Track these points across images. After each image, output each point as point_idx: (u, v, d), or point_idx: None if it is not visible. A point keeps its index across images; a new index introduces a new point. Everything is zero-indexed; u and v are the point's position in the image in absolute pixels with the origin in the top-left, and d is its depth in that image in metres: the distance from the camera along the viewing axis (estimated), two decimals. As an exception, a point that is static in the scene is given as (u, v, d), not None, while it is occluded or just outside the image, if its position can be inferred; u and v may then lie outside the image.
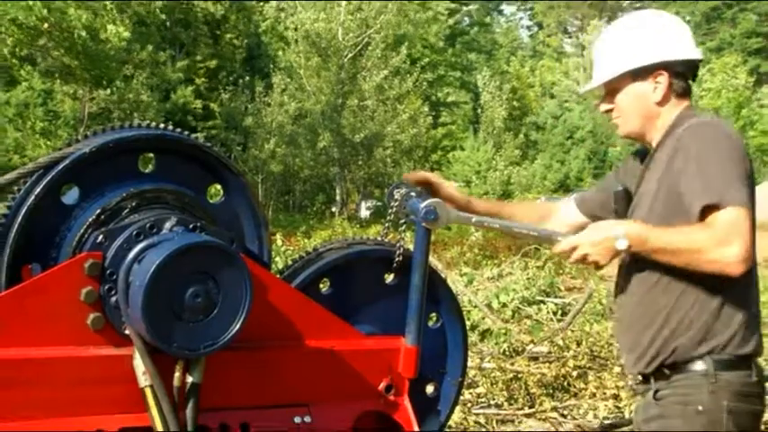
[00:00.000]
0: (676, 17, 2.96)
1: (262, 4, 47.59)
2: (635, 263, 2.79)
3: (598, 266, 2.68)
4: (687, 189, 2.62)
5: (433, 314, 3.00)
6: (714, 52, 62.05)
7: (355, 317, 2.79)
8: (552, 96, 60.19)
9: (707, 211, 2.56)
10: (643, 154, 2.97)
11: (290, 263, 2.89)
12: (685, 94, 2.86)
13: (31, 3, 21.03)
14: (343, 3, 36.48)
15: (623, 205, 2.92)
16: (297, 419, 2.49)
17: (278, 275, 2.73)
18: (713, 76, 54.93)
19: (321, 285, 2.79)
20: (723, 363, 2.68)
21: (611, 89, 2.89)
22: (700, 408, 2.67)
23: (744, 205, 2.55)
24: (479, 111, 50.08)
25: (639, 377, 2.90)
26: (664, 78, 2.81)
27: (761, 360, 2.81)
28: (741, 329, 2.71)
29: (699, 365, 2.69)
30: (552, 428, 6.38)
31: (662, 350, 2.74)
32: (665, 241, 2.58)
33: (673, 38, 2.83)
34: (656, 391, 2.78)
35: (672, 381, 2.73)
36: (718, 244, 2.51)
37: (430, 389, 2.99)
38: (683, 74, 2.84)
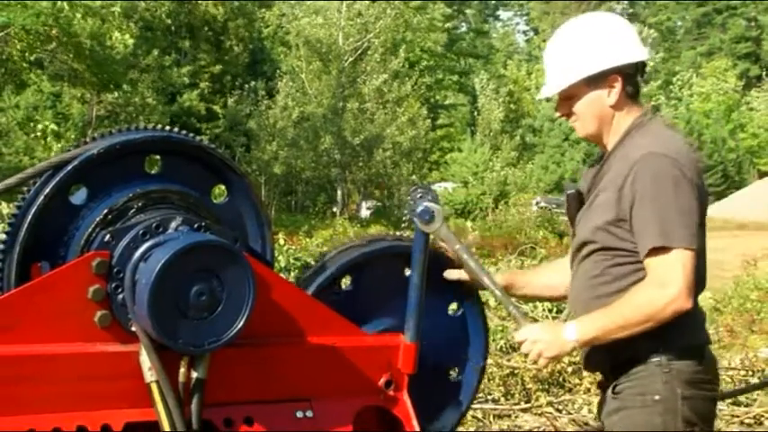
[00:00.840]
0: (621, 18, 2.96)
1: (264, 10, 47.60)
2: (581, 266, 2.85)
3: (548, 361, 2.76)
4: (637, 227, 2.68)
5: (454, 303, 3.00)
6: (705, 56, 62.07)
7: (378, 311, 2.83)
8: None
9: (652, 251, 2.63)
10: (600, 159, 2.97)
11: (309, 262, 2.91)
12: (637, 94, 2.87)
13: (38, 8, 21.04)
14: (344, 8, 36.48)
15: (575, 206, 2.94)
16: (299, 414, 2.49)
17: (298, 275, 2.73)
18: (704, 80, 54.97)
19: (342, 282, 2.82)
20: (675, 353, 2.74)
21: (567, 95, 2.87)
22: (656, 397, 2.72)
23: (687, 245, 2.62)
24: (476, 113, 50.05)
25: (599, 374, 2.97)
26: (618, 83, 2.79)
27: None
28: (690, 323, 2.76)
29: (653, 357, 2.74)
30: (548, 423, 6.38)
31: (617, 350, 2.75)
32: (609, 323, 2.66)
33: (623, 41, 2.81)
34: (615, 386, 2.81)
35: (629, 374, 2.77)
36: (659, 288, 2.61)
37: (453, 374, 3.01)
38: (633, 75, 2.83)
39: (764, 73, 59.36)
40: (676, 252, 2.61)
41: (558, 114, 2.99)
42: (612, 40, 2.80)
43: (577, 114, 2.87)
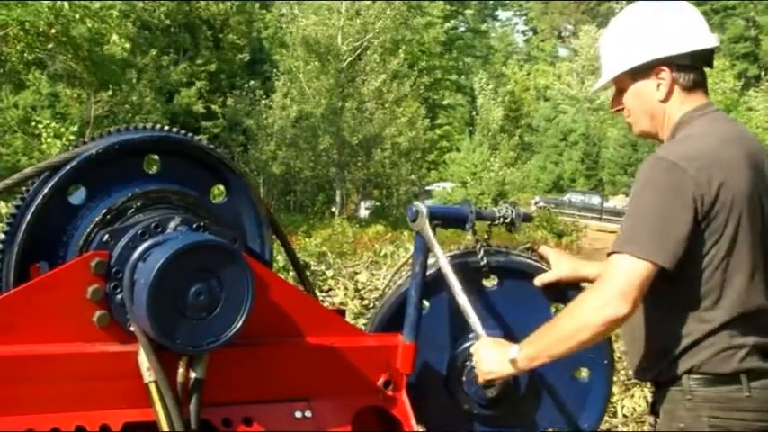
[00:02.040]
0: (681, 4, 2.66)
1: (264, 12, 47.63)
2: None
3: (482, 378, 2.71)
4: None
5: (558, 304, 2.94)
6: (703, 57, 62.03)
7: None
8: (546, 99, 60.21)
9: (608, 256, 2.49)
10: None
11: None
12: (696, 86, 2.62)
13: (39, 7, 21.02)
14: (343, 8, 36.49)
15: None
16: (297, 414, 2.49)
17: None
18: (702, 80, 54.95)
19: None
20: (700, 380, 2.55)
21: (619, 88, 2.70)
22: (681, 425, 2.57)
23: (640, 254, 2.41)
24: (475, 113, 50.08)
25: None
26: (666, 74, 2.59)
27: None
28: (721, 350, 2.55)
29: (681, 380, 2.58)
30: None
31: (648, 368, 2.67)
32: (549, 341, 2.54)
33: (674, 29, 2.58)
34: (654, 403, 2.73)
35: (663, 395, 2.65)
36: (593, 294, 2.48)
37: (585, 374, 2.97)
38: (689, 66, 2.59)
39: (762, 73, 59.39)
40: (624, 258, 2.42)
41: (612, 110, 2.81)
42: (660, 30, 2.58)
43: (628, 110, 2.71)
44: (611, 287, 2.43)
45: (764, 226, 2.58)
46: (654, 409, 2.76)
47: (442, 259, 2.75)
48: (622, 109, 2.72)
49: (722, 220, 2.47)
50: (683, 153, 2.48)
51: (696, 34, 2.59)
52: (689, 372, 2.56)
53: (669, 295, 2.54)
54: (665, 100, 2.61)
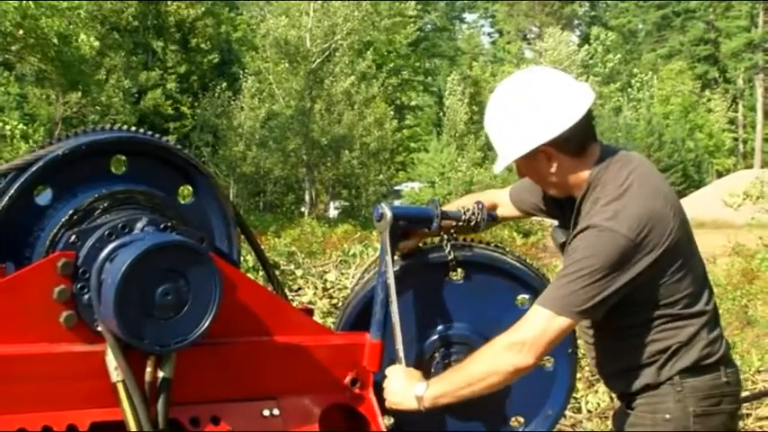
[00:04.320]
0: (549, 73, 2.74)
1: (232, 15, 47.40)
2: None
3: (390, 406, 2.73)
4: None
5: (523, 296, 2.98)
6: (665, 59, 62.73)
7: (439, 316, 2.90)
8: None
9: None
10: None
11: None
12: (584, 146, 2.68)
13: (5, 7, 20.76)
14: (311, 10, 36.41)
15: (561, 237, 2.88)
16: (265, 412, 2.48)
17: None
18: (662, 83, 55.59)
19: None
20: (688, 371, 2.67)
21: (517, 166, 2.79)
22: (667, 416, 2.67)
23: (559, 310, 2.52)
24: (442, 114, 50.17)
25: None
26: (551, 152, 2.65)
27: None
28: (705, 337, 2.69)
29: (666, 376, 2.69)
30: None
31: (631, 381, 2.75)
32: (454, 383, 2.63)
33: (549, 111, 2.61)
34: (630, 402, 2.79)
35: (643, 393, 2.74)
36: (506, 341, 2.57)
37: (549, 365, 3.00)
38: (569, 139, 2.63)
39: (718, 75, 60.19)
40: (545, 312, 2.54)
41: (520, 177, 2.94)
42: (534, 116, 2.62)
43: (533, 180, 2.85)
44: (524, 337, 2.55)
45: (691, 235, 2.77)
46: (624, 398, 2.85)
47: (389, 270, 2.75)
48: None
49: (673, 252, 2.61)
50: (630, 223, 2.55)
51: (571, 107, 2.62)
52: (679, 373, 2.68)
53: (642, 316, 2.68)
54: (558, 172, 2.70)
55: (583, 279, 2.53)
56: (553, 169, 2.69)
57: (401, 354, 2.73)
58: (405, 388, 2.67)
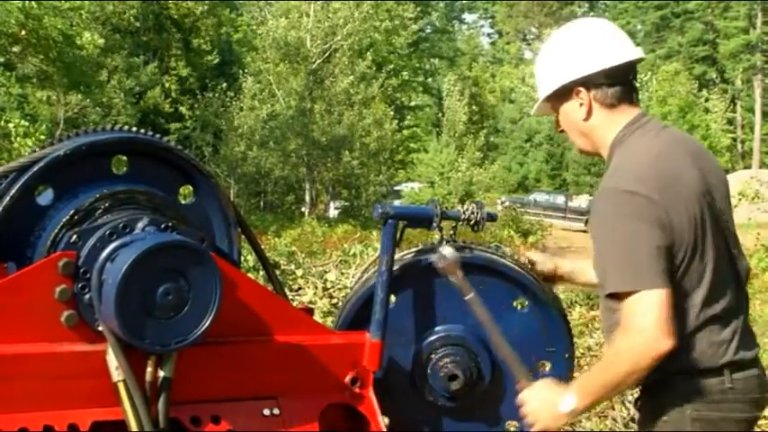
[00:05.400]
0: (601, 22, 2.75)
1: (233, 16, 47.42)
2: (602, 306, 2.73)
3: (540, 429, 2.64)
4: (597, 267, 2.57)
5: (521, 299, 2.96)
6: (663, 59, 62.72)
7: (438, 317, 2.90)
8: (511, 101, 60.51)
9: (614, 296, 2.50)
10: None
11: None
12: (620, 102, 2.64)
13: (9, 8, 20.75)
14: (311, 11, 36.41)
15: None
16: (266, 411, 2.48)
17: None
18: (659, 84, 55.57)
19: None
20: (687, 373, 2.60)
21: (555, 110, 2.76)
22: (665, 418, 2.62)
23: (641, 287, 2.43)
24: (442, 115, 50.17)
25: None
26: (584, 95, 2.62)
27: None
28: (705, 347, 2.60)
29: (671, 377, 2.62)
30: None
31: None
32: (606, 383, 2.52)
33: (587, 50, 2.62)
34: (637, 401, 2.77)
35: (650, 392, 2.71)
36: (631, 336, 2.45)
37: (546, 369, 2.98)
38: (607, 83, 2.61)
39: (716, 75, 60.19)
40: (640, 295, 2.43)
41: (558, 131, 2.84)
42: (575, 51, 2.64)
43: (566, 131, 2.76)
44: (646, 328, 2.42)
45: (719, 222, 2.61)
46: (637, 404, 2.81)
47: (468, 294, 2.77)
48: (563, 131, 2.78)
49: (685, 231, 2.51)
50: (636, 177, 2.50)
51: (610, 52, 2.62)
52: (677, 372, 2.59)
53: None
54: (588, 119, 2.65)
55: (627, 245, 2.45)
56: (583, 115, 2.65)
57: (520, 375, 2.69)
58: (550, 408, 2.56)
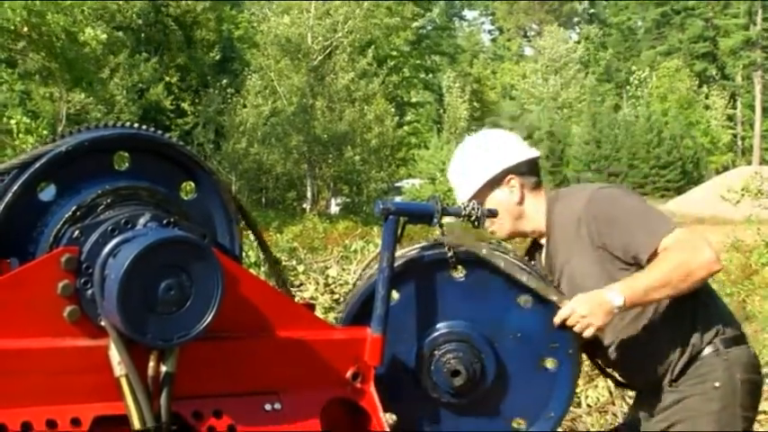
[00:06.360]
0: (507, 133, 3.29)
1: (234, 13, 47.38)
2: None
3: (596, 330, 2.77)
4: (623, 244, 2.87)
5: (524, 296, 2.94)
6: (664, 56, 62.65)
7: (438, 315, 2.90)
8: (512, 98, 60.47)
9: (655, 252, 2.79)
10: (531, 251, 3.25)
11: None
12: (538, 187, 3.13)
13: (13, 6, 20.75)
14: (312, 8, 36.39)
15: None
16: (267, 406, 2.48)
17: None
18: (659, 80, 55.53)
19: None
20: (729, 340, 2.90)
21: (480, 203, 3.00)
22: (717, 384, 2.85)
23: (675, 228, 2.81)
24: (442, 111, 50.17)
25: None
26: (515, 181, 3.07)
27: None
28: (727, 313, 3.02)
29: (709, 349, 2.89)
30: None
31: (678, 356, 2.93)
32: (652, 280, 2.75)
33: (510, 146, 3.11)
34: (672, 381, 2.93)
35: (688, 367, 2.92)
36: (692, 251, 2.75)
37: (551, 365, 2.97)
38: (528, 172, 3.10)
39: (715, 72, 60.11)
40: (665, 240, 2.78)
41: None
42: (500, 149, 3.09)
43: (491, 219, 3.04)
44: (707, 247, 2.78)
45: None
46: (642, 408, 3.08)
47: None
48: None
49: None
50: (597, 185, 3.10)
51: (525, 148, 3.15)
52: (717, 335, 2.91)
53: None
54: (521, 202, 3.09)
55: (642, 208, 2.91)
56: (515, 199, 3.07)
57: (561, 300, 2.81)
58: (600, 304, 2.74)
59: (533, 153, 3.14)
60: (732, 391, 2.85)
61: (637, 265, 2.86)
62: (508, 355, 2.90)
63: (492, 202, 3.05)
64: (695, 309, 2.93)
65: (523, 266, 2.93)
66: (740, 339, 2.98)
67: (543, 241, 3.14)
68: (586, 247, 2.93)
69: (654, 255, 2.79)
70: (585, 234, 2.91)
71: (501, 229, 3.14)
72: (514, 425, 3.00)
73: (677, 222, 2.96)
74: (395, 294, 2.86)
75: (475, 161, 3.10)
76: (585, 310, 2.73)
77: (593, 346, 3.04)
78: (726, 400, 2.84)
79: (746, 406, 2.89)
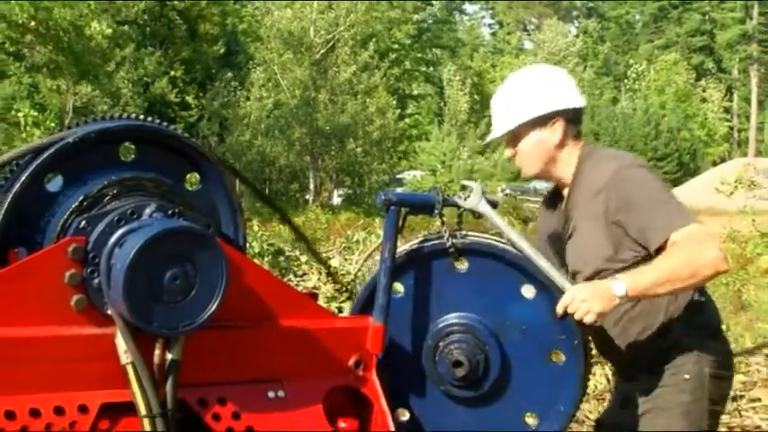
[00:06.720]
0: (562, 70, 3.18)
1: (239, 7, 47.33)
2: None
3: (596, 316, 2.70)
4: (639, 228, 2.82)
5: (529, 285, 2.89)
6: (661, 50, 62.52)
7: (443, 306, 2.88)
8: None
9: (665, 243, 2.74)
10: (552, 197, 3.21)
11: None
12: (578, 136, 3.06)
13: (20, 2, 20.75)
14: (314, 3, 36.33)
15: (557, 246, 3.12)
16: (271, 394, 2.48)
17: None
18: (657, 73, 55.42)
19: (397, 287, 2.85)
20: (703, 335, 2.91)
21: (513, 137, 3.03)
22: (686, 376, 2.87)
23: (690, 223, 2.74)
24: (443, 104, 50.09)
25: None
26: (560, 124, 2.98)
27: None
28: (711, 307, 3.00)
29: (685, 340, 2.89)
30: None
31: (657, 340, 2.93)
32: (657, 275, 2.70)
33: (563, 89, 3.01)
34: (652, 368, 2.93)
35: (666, 357, 2.92)
36: (700, 248, 2.69)
37: (560, 357, 2.92)
38: (573, 120, 3.03)
39: (712, 66, 59.98)
40: (678, 233, 2.72)
41: (506, 156, 3.18)
42: (553, 88, 3.00)
43: (523, 154, 3.04)
44: (715, 246, 2.73)
45: None
46: (623, 393, 3.09)
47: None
48: (514, 155, 3.09)
49: None
50: (630, 158, 3.03)
51: (577, 95, 3.05)
52: (696, 329, 2.91)
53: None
54: (559, 146, 3.01)
55: (665, 195, 2.86)
56: (555, 141, 2.99)
57: (564, 286, 2.75)
58: (602, 292, 2.69)
59: (582, 102, 3.05)
60: (700, 384, 2.85)
61: (646, 249, 2.82)
62: (514, 348, 2.87)
63: (530, 140, 3.00)
64: (676, 298, 2.89)
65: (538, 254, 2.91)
66: (716, 334, 2.99)
67: (565, 192, 3.07)
68: (599, 217, 2.87)
69: (664, 245, 2.73)
70: (602, 205, 2.85)
71: (530, 167, 3.08)
72: (526, 419, 2.95)
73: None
74: (401, 287, 2.85)
75: (527, 94, 3.00)
76: (586, 295, 2.68)
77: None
78: (695, 394, 2.85)
79: (715, 400, 2.90)
